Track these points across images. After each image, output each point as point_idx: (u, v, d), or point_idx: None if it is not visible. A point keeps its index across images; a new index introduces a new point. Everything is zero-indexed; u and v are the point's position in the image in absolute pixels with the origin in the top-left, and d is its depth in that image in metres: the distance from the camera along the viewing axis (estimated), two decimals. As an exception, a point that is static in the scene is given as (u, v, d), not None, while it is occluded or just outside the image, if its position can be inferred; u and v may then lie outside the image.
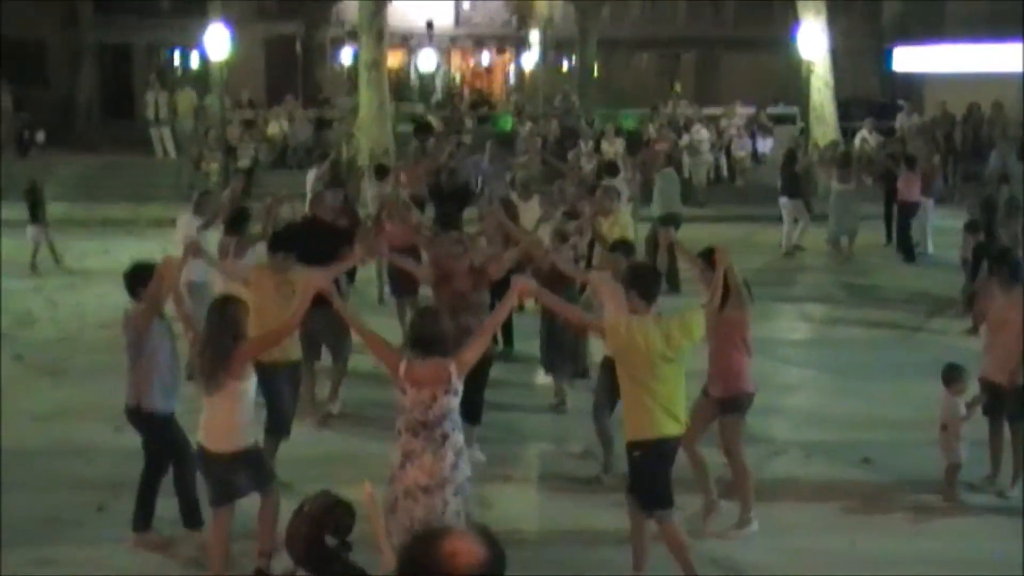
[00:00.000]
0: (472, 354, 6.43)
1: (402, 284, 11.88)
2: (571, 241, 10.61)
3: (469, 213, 13.65)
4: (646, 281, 6.88)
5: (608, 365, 8.18)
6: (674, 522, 6.93)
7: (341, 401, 10.31)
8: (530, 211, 13.04)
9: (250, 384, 6.74)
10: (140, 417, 7.51)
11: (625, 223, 11.80)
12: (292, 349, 8.57)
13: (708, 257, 7.68)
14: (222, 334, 6.57)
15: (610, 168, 16.13)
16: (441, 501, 6.19)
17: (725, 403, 7.79)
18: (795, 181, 18.66)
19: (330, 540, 5.02)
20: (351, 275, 12.06)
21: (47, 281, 15.96)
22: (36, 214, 16.54)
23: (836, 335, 13.62)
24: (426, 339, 6.29)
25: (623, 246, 8.95)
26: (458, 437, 6.34)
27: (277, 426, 8.36)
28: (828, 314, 14.69)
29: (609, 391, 8.11)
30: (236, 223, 10.46)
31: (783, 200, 18.60)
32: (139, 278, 7.39)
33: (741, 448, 7.88)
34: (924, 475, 8.71)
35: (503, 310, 6.86)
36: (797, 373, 12.02)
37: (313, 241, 9.42)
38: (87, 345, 12.71)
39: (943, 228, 18.23)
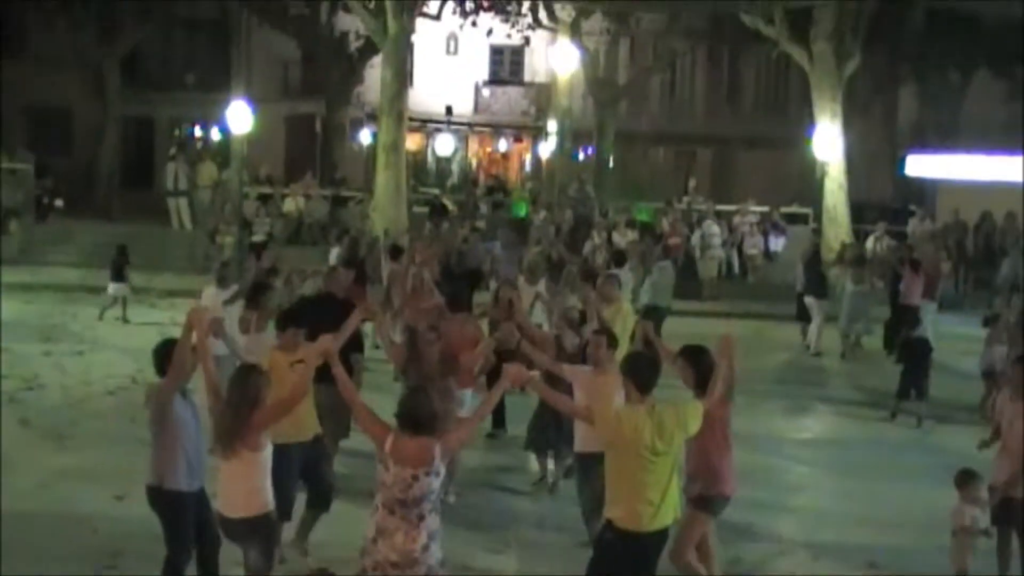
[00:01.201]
0: (458, 438, 6.54)
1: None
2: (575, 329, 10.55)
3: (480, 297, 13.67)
4: (642, 370, 6.74)
5: (583, 463, 8.05)
6: None
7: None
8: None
9: (267, 453, 6.67)
10: (161, 497, 7.08)
11: (627, 311, 11.77)
12: (309, 423, 8.35)
13: (692, 355, 7.50)
14: (242, 403, 6.50)
15: (618, 257, 16.17)
16: None
17: (699, 501, 7.57)
18: (822, 281, 18.61)
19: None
20: (359, 347, 11.69)
21: (56, 346, 15.98)
22: (122, 274, 18.39)
23: (845, 435, 13.53)
24: (415, 418, 6.29)
25: (605, 331, 8.83)
26: (434, 519, 6.32)
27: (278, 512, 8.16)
28: (837, 414, 14.61)
29: (593, 493, 7.76)
30: (256, 297, 10.34)
31: (809, 300, 18.44)
32: (169, 355, 6.95)
33: (690, 551, 7.52)
34: (930, 582, 8.61)
35: (494, 397, 6.93)
36: (805, 472, 11.92)
37: (324, 316, 9.33)
38: (93, 411, 12.69)
39: (954, 335, 18.20)
